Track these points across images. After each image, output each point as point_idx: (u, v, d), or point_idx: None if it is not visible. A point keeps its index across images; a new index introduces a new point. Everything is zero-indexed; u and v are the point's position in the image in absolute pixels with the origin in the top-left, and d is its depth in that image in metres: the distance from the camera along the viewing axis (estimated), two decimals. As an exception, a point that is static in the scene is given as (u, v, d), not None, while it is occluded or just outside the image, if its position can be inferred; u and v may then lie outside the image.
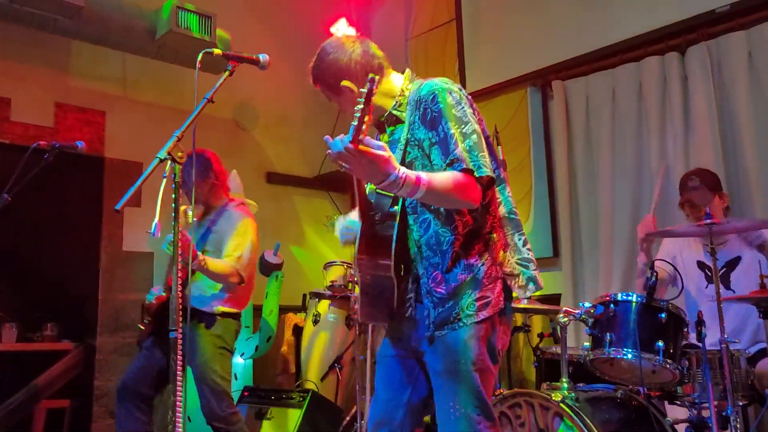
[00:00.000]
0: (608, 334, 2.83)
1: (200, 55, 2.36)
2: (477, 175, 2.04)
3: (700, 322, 2.81)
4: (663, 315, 2.79)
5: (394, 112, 2.27)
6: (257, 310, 5.03)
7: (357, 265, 2.22)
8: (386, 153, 1.89)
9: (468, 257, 2.12)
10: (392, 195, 2.17)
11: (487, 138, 2.21)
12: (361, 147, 1.83)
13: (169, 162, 2.17)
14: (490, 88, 5.57)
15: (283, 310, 5.34)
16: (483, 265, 2.12)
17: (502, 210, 2.22)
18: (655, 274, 2.85)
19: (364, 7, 6.79)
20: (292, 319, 5.55)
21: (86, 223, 5.06)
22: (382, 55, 2.33)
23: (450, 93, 2.15)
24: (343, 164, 1.90)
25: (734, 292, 3.36)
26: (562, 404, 2.69)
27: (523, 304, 3.40)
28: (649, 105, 4.57)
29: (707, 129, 4.23)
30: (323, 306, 4.93)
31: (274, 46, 5.11)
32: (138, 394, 3.64)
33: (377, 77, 1.83)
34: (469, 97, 2.23)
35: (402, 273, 2.16)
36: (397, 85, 2.30)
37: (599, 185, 4.79)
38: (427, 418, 2.33)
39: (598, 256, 4.72)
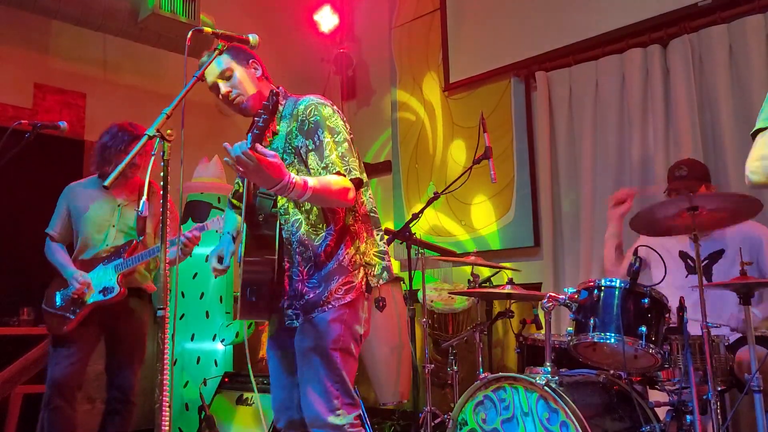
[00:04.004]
0: (592, 318, 2.86)
1: (190, 32, 2.35)
2: (349, 178, 2.34)
3: (681, 308, 2.84)
4: (646, 300, 2.81)
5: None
6: (238, 296, 4.99)
7: (242, 264, 2.39)
8: (278, 160, 2.13)
9: (336, 248, 2.42)
10: (273, 198, 2.46)
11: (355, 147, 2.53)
12: (256, 153, 2.06)
13: (158, 139, 2.16)
14: (473, 78, 5.60)
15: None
16: (347, 254, 2.43)
17: (364, 209, 2.55)
18: (639, 260, 2.88)
19: (348, -6, 6.77)
20: (273, 305, 5.52)
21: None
22: None
23: (325, 107, 2.46)
24: (240, 168, 2.10)
25: None
26: (546, 387, 2.71)
27: (507, 290, 3.42)
28: (631, 96, 4.61)
29: (688, 121, 4.28)
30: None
31: (256, 32, 5.06)
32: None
33: (281, 89, 2.13)
34: (340, 111, 2.53)
35: (283, 266, 2.43)
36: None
37: (581, 175, 4.82)
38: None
39: (579, 245, 4.76)
